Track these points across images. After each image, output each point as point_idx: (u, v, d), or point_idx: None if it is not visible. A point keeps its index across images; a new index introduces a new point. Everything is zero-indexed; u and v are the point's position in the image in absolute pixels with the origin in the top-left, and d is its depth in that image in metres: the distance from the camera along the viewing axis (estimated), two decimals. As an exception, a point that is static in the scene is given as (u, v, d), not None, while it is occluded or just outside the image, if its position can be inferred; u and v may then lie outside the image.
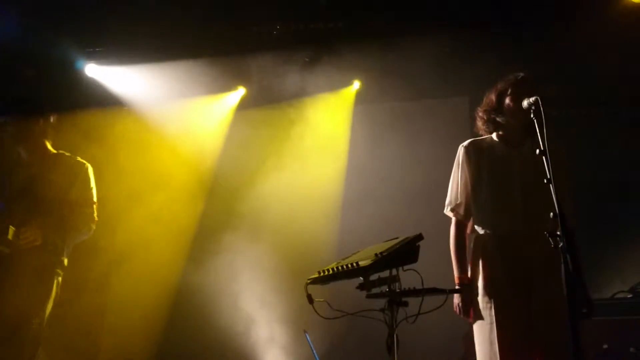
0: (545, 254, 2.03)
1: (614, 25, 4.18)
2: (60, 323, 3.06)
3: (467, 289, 2.45)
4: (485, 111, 2.61)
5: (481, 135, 2.67)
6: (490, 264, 2.43)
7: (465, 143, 2.64)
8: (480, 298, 2.42)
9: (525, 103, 2.31)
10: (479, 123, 2.63)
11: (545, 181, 2.07)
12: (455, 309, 2.47)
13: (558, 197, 2.05)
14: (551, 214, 2.02)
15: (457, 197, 2.58)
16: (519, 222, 2.40)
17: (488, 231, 2.48)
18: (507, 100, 2.53)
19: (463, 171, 2.59)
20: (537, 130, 2.15)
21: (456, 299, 2.47)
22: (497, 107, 2.56)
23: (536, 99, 2.22)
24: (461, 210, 2.57)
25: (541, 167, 2.28)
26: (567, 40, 4.46)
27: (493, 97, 2.60)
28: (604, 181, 4.62)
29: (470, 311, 2.42)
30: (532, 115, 2.23)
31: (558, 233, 2.00)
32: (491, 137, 2.63)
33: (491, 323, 2.36)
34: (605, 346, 3.20)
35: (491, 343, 2.35)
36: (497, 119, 2.56)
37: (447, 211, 2.62)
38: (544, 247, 1.99)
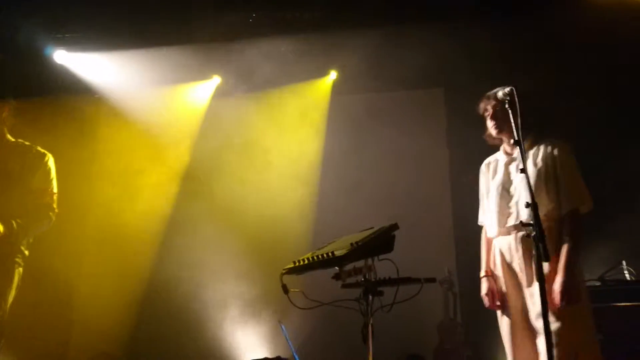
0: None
1: (587, 20, 4.25)
2: (27, 316, 2.98)
3: (487, 281, 2.60)
4: (487, 136, 2.72)
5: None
6: (494, 263, 2.60)
7: (485, 162, 2.81)
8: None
9: (500, 94, 2.35)
10: (489, 142, 2.75)
11: (519, 171, 2.11)
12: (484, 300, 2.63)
13: (530, 187, 2.10)
14: (525, 202, 2.06)
15: (480, 209, 2.79)
16: (511, 226, 2.51)
17: (492, 238, 2.64)
18: (488, 116, 2.64)
19: (480, 189, 2.79)
20: (512, 120, 2.17)
21: (482, 290, 2.63)
22: (489, 132, 2.68)
23: (511, 89, 2.26)
24: (482, 221, 2.78)
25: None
26: (540, 30, 4.52)
27: (485, 120, 2.70)
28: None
29: (490, 299, 2.57)
30: (506, 105, 2.26)
31: (531, 222, 2.04)
32: (500, 150, 2.76)
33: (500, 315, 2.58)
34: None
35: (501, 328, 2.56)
36: (496, 136, 2.66)
37: (480, 223, 2.82)
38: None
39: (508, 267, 2.51)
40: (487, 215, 2.65)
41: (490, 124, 2.61)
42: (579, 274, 2.41)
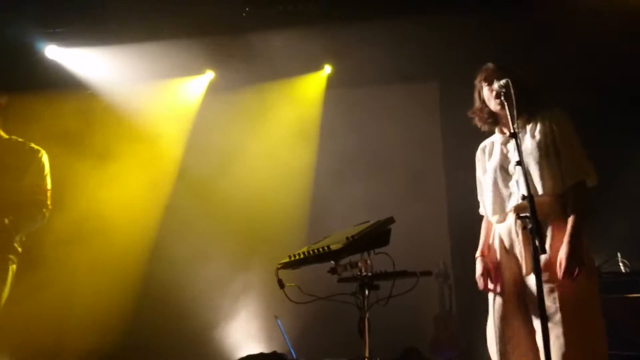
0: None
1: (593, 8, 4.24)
2: (20, 313, 2.96)
3: (480, 261, 2.51)
4: (474, 114, 2.62)
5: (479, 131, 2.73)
6: (495, 254, 2.49)
7: (480, 146, 2.71)
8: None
9: (495, 86, 2.33)
10: (478, 124, 2.64)
11: (515, 163, 2.08)
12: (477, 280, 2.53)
13: (528, 179, 2.08)
14: (521, 195, 2.04)
15: (480, 198, 2.67)
16: (513, 204, 2.42)
17: (492, 223, 2.55)
18: (486, 95, 2.54)
19: (476, 173, 2.69)
20: (507, 112, 2.16)
21: (476, 271, 2.52)
22: (482, 105, 2.58)
23: (506, 81, 2.23)
24: (482, 210, 2.66)
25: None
26: (533, 23, 4.51)
27: (476, 96, 2.63)
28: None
29: (484, 281, 2.46)
30: (502, 98, 2.24)
31: (527, 215, 2.03)
32: (495, 132, 2.65)
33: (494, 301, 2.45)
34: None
35: (491, 314, 2.44)
36: (488, 117, 2.57)
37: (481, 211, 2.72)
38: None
39: (507, 252, 2.42)
40: (485, 199, 2.54)
41: (496, 101, 2.44)
42: (587, 248, 2.28)
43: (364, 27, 4.69)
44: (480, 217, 2.69)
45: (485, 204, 2.56)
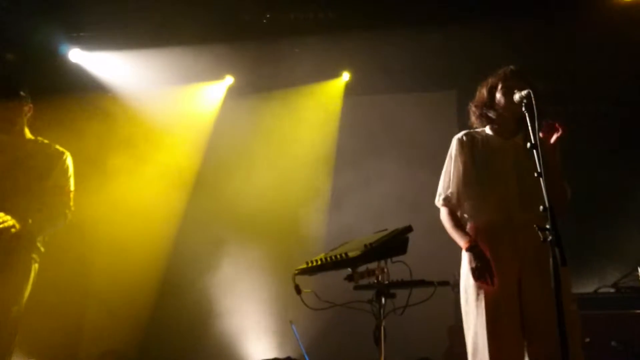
0: (538, 243, 2.01)
1: (607, 22, 4.20)
2: (38, 314, 3.00)
3: (478, 250, 2.35)
4: (477, 106, 2.60)
5: (475, 128, 2.66)
6: (487, 253, 2.37)
7: (459, 135, 2.63)
8: (470, 287, 2.37)
9: (517, 97, 2.30)
10: (473, 117, 2.63)
11: (535, 175, 2.06)
12: (472, 275, 2.34)
13: (548, 190, 2.05)
14: (541, 207, 2.01)
15: (449, 187, 2.55)
16: (515, 211, 2.40)
17: (481, 220, 2.45)
18: (498, 95, 2.53)
19: (456, 162, 2.57)
20: (529, 124, 2.15)
21: (471, 262, 2.34)
22: (489, 102, 2.56)
23: (528, 92, 2.21)
24: (453, 200, 2.53)
25: (533, 158, 2.29)
26: (557, 34, 4.48)
27: (484, 91, 2.60)
28: (589, 179, 4.62)
29: (486, 275, 2.30)
30: (523, 109, 2.22)
31: (547, 226, 2.01)
32: (485, 130, 2.62)
33: (478, 312, 2.32)
34: (587, 340, 3.23)
35: (476, 332, 2.31)
36: (489, 113, 2.55)
37: (438, 201, 2.58)
38: (537, 237, 1.97)
39: (500, 253, 2.33)
40: (483, 198, 2.43)
41: (518, 110, 2.29)
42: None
43: (383, 35, 4.70)
44: None
45: (480, 203, 2.44)
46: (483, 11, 4.50)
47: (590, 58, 4.46)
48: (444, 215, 2.54)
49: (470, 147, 2.55)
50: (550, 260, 1.99)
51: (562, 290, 1.97)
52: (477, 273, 2.30)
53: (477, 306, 2.32)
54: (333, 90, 5.59)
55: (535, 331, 2.30)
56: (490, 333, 2.26)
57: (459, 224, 2.49)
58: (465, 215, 2.52)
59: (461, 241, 2.42)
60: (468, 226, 2.49)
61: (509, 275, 2.33)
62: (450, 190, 2.53)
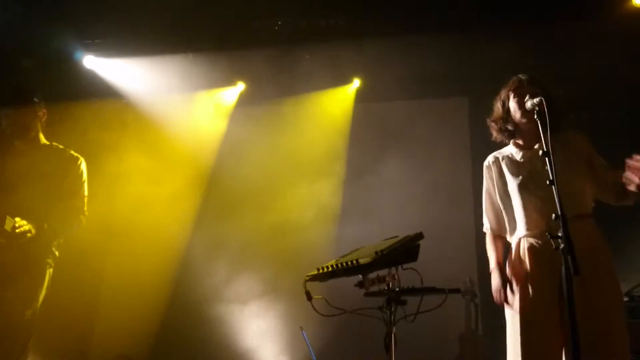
0: (581, 251, 2.00)
1: (618, 27, 4.18)
2: (50, 317, 3.03)
3: (497, 273, 2.49)
4: (494, 121, 2.61)
5: (500, 141, 2.68)
6: (525, 265, 2.44)
7: (486, 160, 2.67)
8: (517, 296, 2.42)
9: (528, 104, 2.30)
10: (494, 132, 2.64)
11: (547, 183, 2.05)
12: (494, 295, 2.49)
13: (560, 198, 2.04)
14: (553, 215, 2.00)
15: (488, 214, 2.65)
16: (550, 220, 2.39)
17: (517, 238, 2.50)
18: (512, 106, 2.52)
19: (487, 187, 2.65)
20: (541, 132, 2.14)
21: (494, 283, 2.49)
22: (505, 115, 2.56)
23: (540, 100, 2.20)
24: (494, 225, 2.63)
25: (558, 161, 2.28)
26: (569, 40, 4.46)
27: (499, 105, 2.61)
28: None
29: (504, 294, 2.43)
30: (535, 117, 2.22)
31: (559, 235, 1.99)
32: (510, 145, 2.63)
33: (514, 322, 2.40)
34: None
35: (514, 339, 2.38)
36: (508, 126, 2.56)
37: (486, 229, 2.68)
38: (580, 245, 1.98)
39: (539, 265, 2.36)
40: (519, 212, 2.47)
41: (528, 117, 2.40)
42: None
43: (393, 41, 4.71)
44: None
45: (518, 218, 2.48)
46: (494, 17, 4.51)
47: (609, 62, 4.44)
48: (486, 240, 2.67)
49: (496, 167, 2.61)
50: (562, 269, 1.98)
51: (608, 299, 2.24)
52: (494, 294, 2.46)
53: (513, 316, 2.42)
54: (344, 97, 5.60)
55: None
56: (524, 344, 2.33)
57: (493, 247, 2.61)
58: (507, 237, 2.60)
59: (490, 264, 2.56)
60: (512, 245, 2.55)
61: (543, 288, 2.35)
62: (489, 216, 2.65)
